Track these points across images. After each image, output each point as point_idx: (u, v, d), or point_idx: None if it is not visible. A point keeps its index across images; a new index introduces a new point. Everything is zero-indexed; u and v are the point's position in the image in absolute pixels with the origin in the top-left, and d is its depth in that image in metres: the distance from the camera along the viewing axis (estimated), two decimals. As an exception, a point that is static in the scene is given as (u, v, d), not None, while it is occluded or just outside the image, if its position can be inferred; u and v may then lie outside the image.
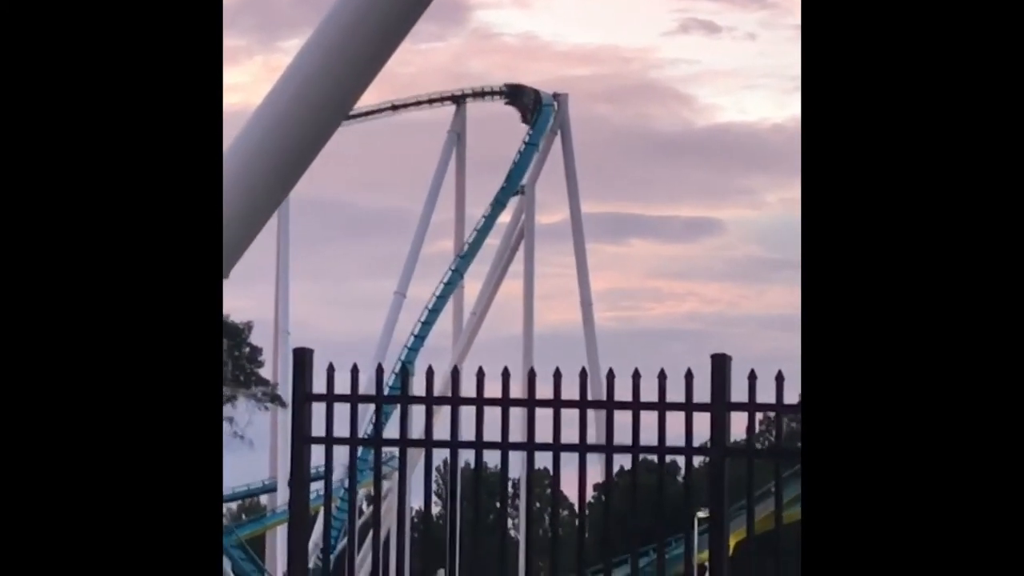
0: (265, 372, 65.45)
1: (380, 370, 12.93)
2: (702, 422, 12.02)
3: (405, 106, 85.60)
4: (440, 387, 12.54)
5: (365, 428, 12.94)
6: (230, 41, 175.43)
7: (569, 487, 12.78)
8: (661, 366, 12.02)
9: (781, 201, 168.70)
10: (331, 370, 12.24)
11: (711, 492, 12.04)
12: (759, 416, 12.18)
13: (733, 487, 12.12)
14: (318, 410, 12.25)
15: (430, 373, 12.47)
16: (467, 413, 12.16)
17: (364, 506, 60.08)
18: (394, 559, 12.53)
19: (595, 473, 13.20)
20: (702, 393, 11.99)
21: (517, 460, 12.68)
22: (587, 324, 79.87)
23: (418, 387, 12.38)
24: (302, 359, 12.34)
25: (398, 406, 12.49)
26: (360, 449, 12.53)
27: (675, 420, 12.02)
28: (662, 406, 12.01)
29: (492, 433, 12.16)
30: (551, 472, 12.47)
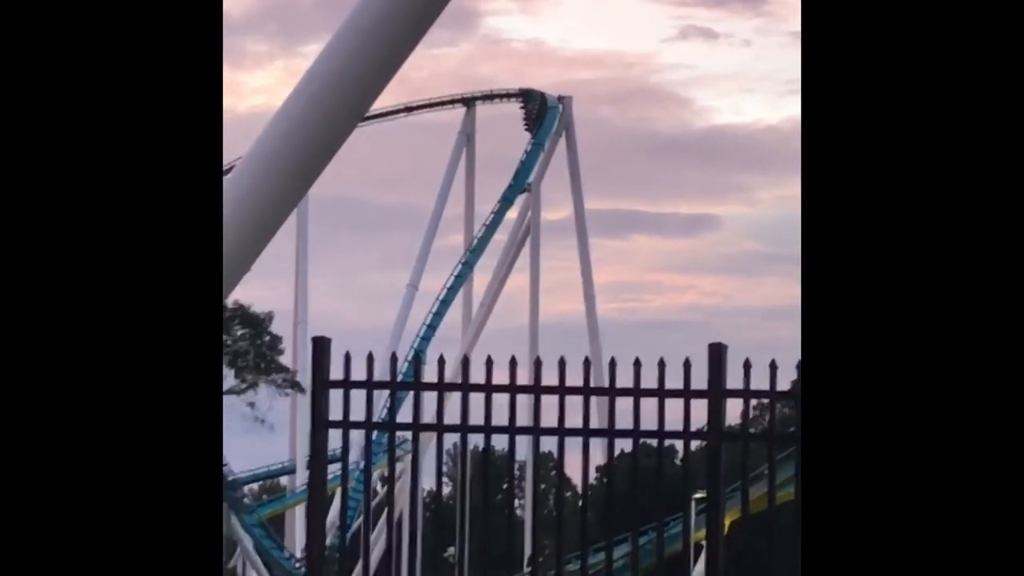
0: (285, 360, 65.53)
1: (394, 358, 12.93)
2: (699, 408, 12.02)
3: (418, 108, 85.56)
4: (451, 374, 12.54)
5: (380, 413, 12.94)
6: (254, 46, 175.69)
7: (573, 469, 12.80)
8: (661, 355, 12.02)
9: (775, 198, 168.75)
10: (348, 358, 12.23)
11: (708, 474, 12.03)
12: (753, 402, 12.18)
13: (728, 470, 12.11)
14: (335, 396, 12.25)
15: (441, 361, 12.47)
16: (476, 399, 12.16)
17: (379, 487, 60.07)
18: (407, 537, 12.53)
19: (598, 456, 13.21)
20: (700, 380, 11.99)
21: (524, 444, 12.68)
22: (590, 315, 79.85)
23: (430, 374, 12.38)
24: (320, 347, 12.34)
25: (411, 392, 12.49)
26: (375, 433, 12.53)
27: (674, 406, 12.02)
28: (661, 393, 12.01)
29: (500, 418, 12.16)
30: (556, 455, 12.46)
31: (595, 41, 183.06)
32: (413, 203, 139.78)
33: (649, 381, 12.03)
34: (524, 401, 12.20)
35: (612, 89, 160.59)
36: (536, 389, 12.15)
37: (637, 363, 12.02)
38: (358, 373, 12.23)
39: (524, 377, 12.18)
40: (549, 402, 12.14)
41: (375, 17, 10.92)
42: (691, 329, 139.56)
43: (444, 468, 12.72)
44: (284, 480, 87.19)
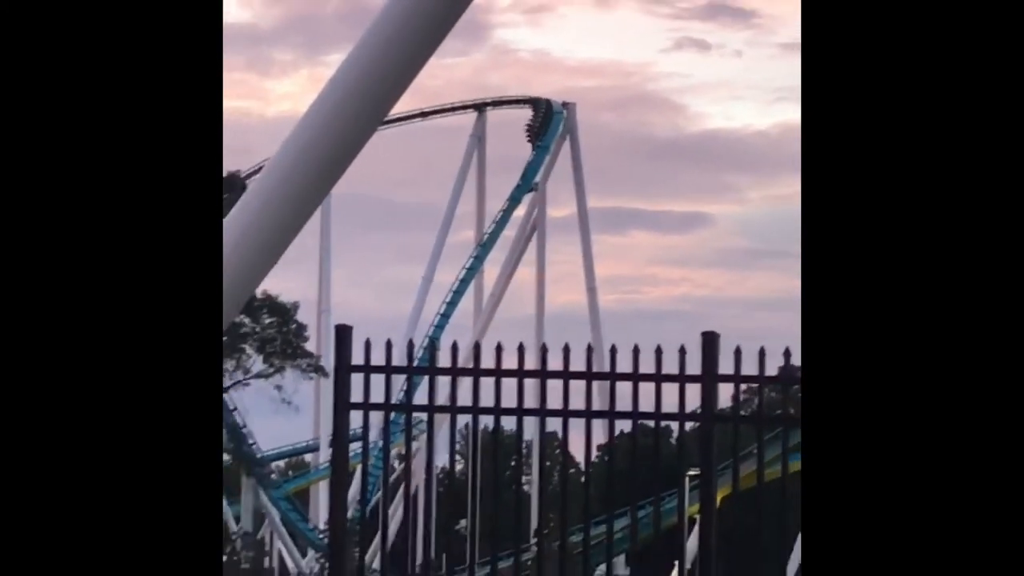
0: (310, 346, 65.41)
1: (411, 345, 12.93)
2: (693, 392, 12.02)
3: (433, 113, 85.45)
4: (463, 360, 12.54)
5: (397, 396, 12.94)
6: (281, 55, 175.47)
7: (576, 448, 12.81)
8: (658, 343, 12.03)
9: (764, 198, 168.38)
10: (367, 345, 12.24)
11: (701, 453, 12.04)
12: (743, 386, 12.18)
13: (720, 449, 12.11)
14: (356, 380, 12.26)
15: (454, 348, 12.48)
16: (487, 383, 12.16)
17: (396, 464, 60.09)
18: (422, 510, 12.53)
19: (599, 436, 13.19)
20: (694, 366, 11.99)
21: (530, 424, 12.68)
22: (592, 305, 79.81)
23: (444, 360, 12.39)
24: (342, 335, 12.35)
25: (426, 376, 12.50)
26: (393, 414, 12.53)
27: (670, 390, 12.02)
28: (658, 378, 12.01)
29: (509, 400, 12.16)
30: (560, 435, 12.47)
31: (597, 52, 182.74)
32: (428, 201, 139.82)
33: (647, 367, 12.04)
34: (531, 385, 12.21)
35: (612, 96, 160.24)
36: (542, 374, 12.16)
37: (636, 350, 12.03)
38: (377, 359, 12.24)
39: (531, 362, 12.19)
40: (554, 386, 12.14)
41: (393, 29, 10.92)
42: (686, 319, 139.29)
43: (457, 447, 12.73)
44: (308, 457, 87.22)
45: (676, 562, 12.95)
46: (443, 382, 12.38)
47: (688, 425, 12.27)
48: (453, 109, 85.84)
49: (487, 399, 12.18)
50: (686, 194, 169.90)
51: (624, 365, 12.03)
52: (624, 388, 12.12)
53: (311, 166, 11.13)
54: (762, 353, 11.87)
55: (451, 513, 12.66)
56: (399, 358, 12.49)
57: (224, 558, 68.62)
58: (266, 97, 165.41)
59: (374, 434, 11.88)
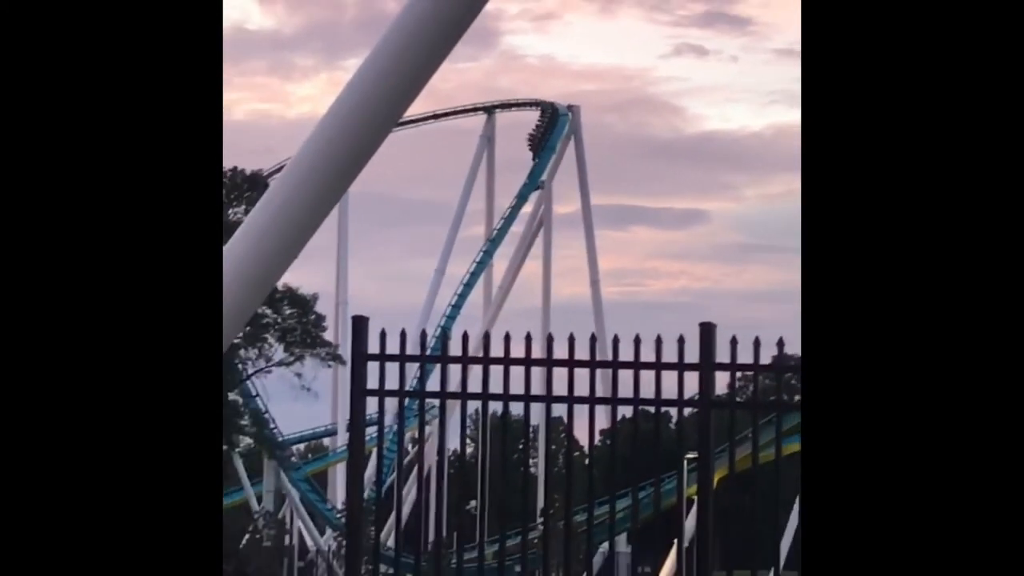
0: (328, 336, 65.35)
1: (424, 334, 12.93)
2: (692, 379, 12.01)
3: (445, 115, 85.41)
4: (473, 349, 12.54)
5: (411, 383, 12.93)
6: (302, 60, 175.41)
7: (581, 433, 12.79)
8: (658, 333, 12.03)
9: (758, 196, 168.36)
10: (383, 334, 12.23)
11: (699, 437, 12.03)
12: (739, 374, 12.16)
13: (717, 433, 12.10)
14: (372, 368, 12.25)
15: (465, 337, 12.47)
16: (496, 371, 12.15)
17: (410, 448, 60.07)
18: (434, 491, 12.53)
19: (602, 421, 13.17)
20: (692, 355, 11.98)
21: (537, 410, 12.67)
22: (596, 297, 79.78)
23: (455, 348, 12.38)
24: (359, 325, 12.34)
25: (439, 364, 12.49)
26: (407, 400, 12.53)
27: (669, 377, 12.01)
28: (658, 366, 11.99)
29: (516, 387, 12.16)
30: (565, 420, 12.46)
31: (600, 57, 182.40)
32: (440, 199, 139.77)
33: (648, 355, 12.03)
34: (538, 372, 12.20)
35: (615, 99, 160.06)
36: (548, 362, 12.15)
37: (637, 340, 12.02)
38: (392, 348, 12.24)
39: (538, 351, 12.18)
40: (560, 373, 12.14)
41: (407, 36, 10.90)
42: (684, 310, 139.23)
43: (467, 431, 12.72)
44: (327, 441, 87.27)
45: (675, 540, 12.94)
46: (454, 370, 12.37)
47: (687, 411, 12.26)
48: (464, 111, 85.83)
49: (496, 386, 12.18)
50: (685, 192, 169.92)
51: (626, 354, 12.02)
52: (626, 376, 12.11)
53: (329, 165, 11.11)
54: (757, 342, 11.86)
55: (462, 494, 12.68)
56: (413, 347, 12.48)
57: (247, 536, 68.67)
58: (287, 100, 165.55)
59: (389, 419, 11.86)
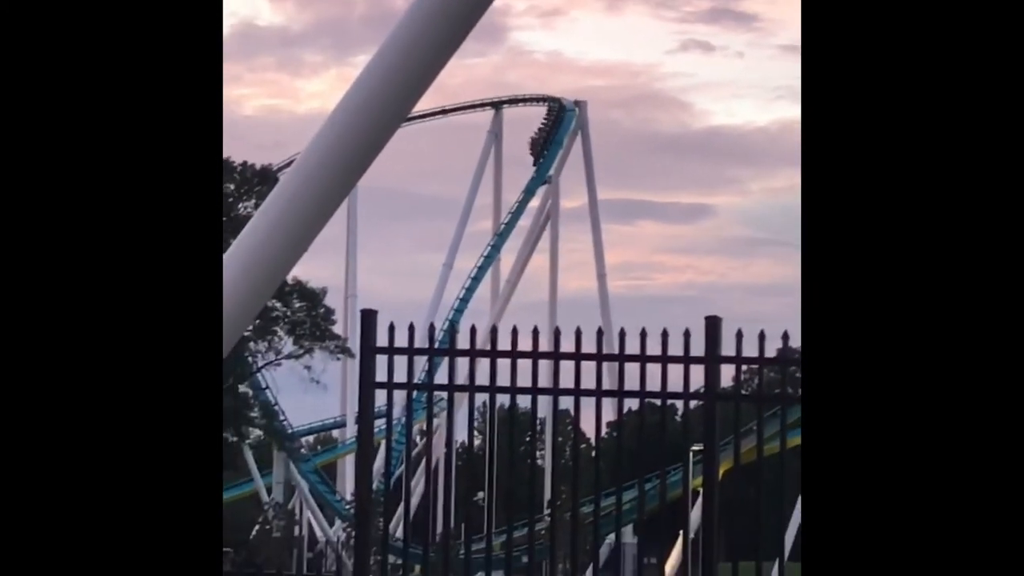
0: (337, 329, 65.38)
1: (432, 328, 12.94)
2: (697, 372, 12.01)
3: (453, 110, 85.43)
4: (481, 342, 12.54)
5: (419, 375, 12.94)
6: (311, 57, 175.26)
7: (587, 425, 12.78)
8: (664, 326, 12.02)
9: (764, 190, 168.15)
10: (391, 328, 12.24)
11: (704, 430, 12.03)
12: (744, 367, 12.16)
13: (722, 426, 12.10)
14: (381, 360, 12.26)
15: (473, 331, 12.48)
16: (503, 364, 12.16)
17: (418, 440, 60.06)
18: (443, 483, 12.54)
19: (609, 413, 13.19)
20: (698, 348, 11.98)
21: (544, 403, 12.68)
22: (602, 291, 79.75)
23: (463, 342, 12.39)
24: (368, 318, 12.35)
25: (447, 357, 12.50)
26: (415, 393, 12.53)
27: (675, 370, 12.01)
28: (664, 359, 12.00)
29: (524, 380, 12.16)
30: (572, 413, 12.47)
31: (607, 53, 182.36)
32: (448, 193, 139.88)
33: (654, 348, 12.03)
34: (545, 365, 12.20)
35: (622, 95, 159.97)
36: (555, 355, 12.15)
37: (643, 333, 12.02)
38: (400, 341, 12.24)
39: (545, 344, 12.18)
40: (567, 366, 12.14)
41: (415, 32, 10.90)
42: (690, 303, 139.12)
43: (475, 423, 12.71)
44: (336, 433, 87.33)
45: (681, 532, 12.95)
46: (462, 363, 12.38)
47: (692, 403, 12.27)
48: (472, 107, 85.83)
49: (504, 379, 12.18)
50: (691, 186, 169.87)
51: (632, 347, 12.03)
52: (632, 369, 12.11)
53: (338, 160, 11.12)
54: (762, 336, 11.87)
55: (469, 486, 12.67)
56: (421, 340, 12.49)
57: (256, 527, 68.77)
58: (297, 96, 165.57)
59: (397, 411, 11.87)
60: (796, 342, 11.35)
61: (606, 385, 12.23)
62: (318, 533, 76.16)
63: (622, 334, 12.06)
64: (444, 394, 12.42)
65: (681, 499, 12.82)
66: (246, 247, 11.07)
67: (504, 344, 12.13)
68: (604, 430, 12.28)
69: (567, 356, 12.11)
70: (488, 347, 12.18)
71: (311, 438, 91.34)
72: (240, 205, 58.09)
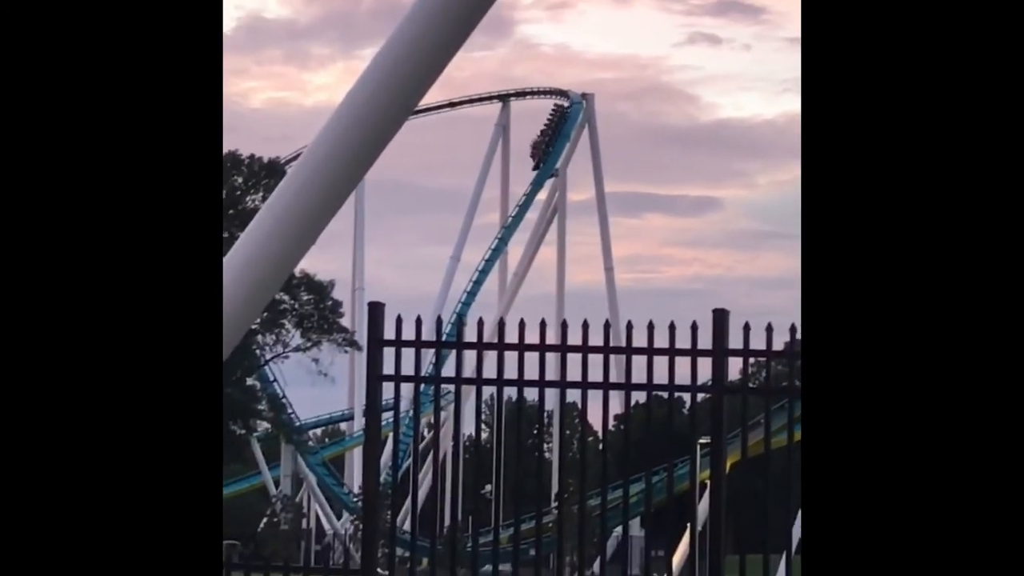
0: (345, 321, 65.45)
1: (439, 321, 12.94)
2: (705, 365, 12.01)
3: (460, 104, 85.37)
4: (488, 335, 12.54)
5: (427, 368, 12.94)
6: (318, 50, 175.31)
7: (595, 418, 12.79)
8: (671, 319, 12.03)
9: (771, 183, 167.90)
10: (399, 320, 12.25)
11: (712, 423, 12.03)
12: (752, 360, 12.16)
13: (730, 418, 12.10)
14: (388, 353, 12.27)
15: (480, 323, 12.48)
16: (511, 356, 12.16)
17: (426, 432, 60.14)
18: (450, 476, 12.53)
19: (616, 406, 13.18)
20: (705, 341, 11.97)
21: (552, 395, 12.67)
22: (609, 284, 79.75)
23: (470, 335, 12.39)
24: (375, 311, 12.36)
25: (454, 350, 12.50)
26: (422, 385, 12.54)
27: (682, 363, 12.01)
28: (672, 352, 11.99)
29: (531, 373, 12.17)
30: (580, 405, 12.47)
31: (614, 46, 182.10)
32: (455, 186, 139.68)
33: (661, 341, 12.03)
34: (552, 358, 12.21)
35: (629, 87, 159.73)
36: (563, 348, 12.15)
37: (650, 326, 12.02)
38: (408, 334, 12.25)
39: (552, 337, 12.19)
40: (574, 359, 12.14)
41: (422, 25, 10.90)
42: (697, 296, 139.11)
43: (482, 416, 12.73)
44: (343, 426, 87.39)
45: (688, 525, 12.95)
46: (469, 356, 12.38)
47: (699, 396, 12.26)
48: (479, 100, 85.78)
49: (511, 372, 12.19)
50: (698, 179, 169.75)
51: (639, 340, 12.03)
52: (639, 362, 12.11)
53: (346, 153, 11.12)
54: (769, 329, 11.86)
55: (477, 478, 12.68)
56: (428, 333, 12.50)
57: (264, 520, 68.84)
58: (304, 88, 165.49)
59: (405, 404, 11.89)
60: (803, 335, 11.35)
61: (613, 378, 12.24)
62: (326, 526, 76.21)
63: (629, 327, 12.05)
64: (451, 387, 12.43)
65: (688, 492, 12.82)
66: (253, 240, 11.08)
67: (511, 337, 12.14)
68: (611, 423, 12.28)
69: (574, 349, 12.11)
70: (495, 340, 12.18)
71: (319, 431, 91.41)
72: (247, 198, 58.14)
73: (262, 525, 68.67)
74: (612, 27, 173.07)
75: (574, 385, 12.21)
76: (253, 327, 49.05)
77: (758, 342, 11.88)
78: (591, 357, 12.08)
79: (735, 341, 11.95)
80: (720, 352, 11.96)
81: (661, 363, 12.03)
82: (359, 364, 69.70)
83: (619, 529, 13.05)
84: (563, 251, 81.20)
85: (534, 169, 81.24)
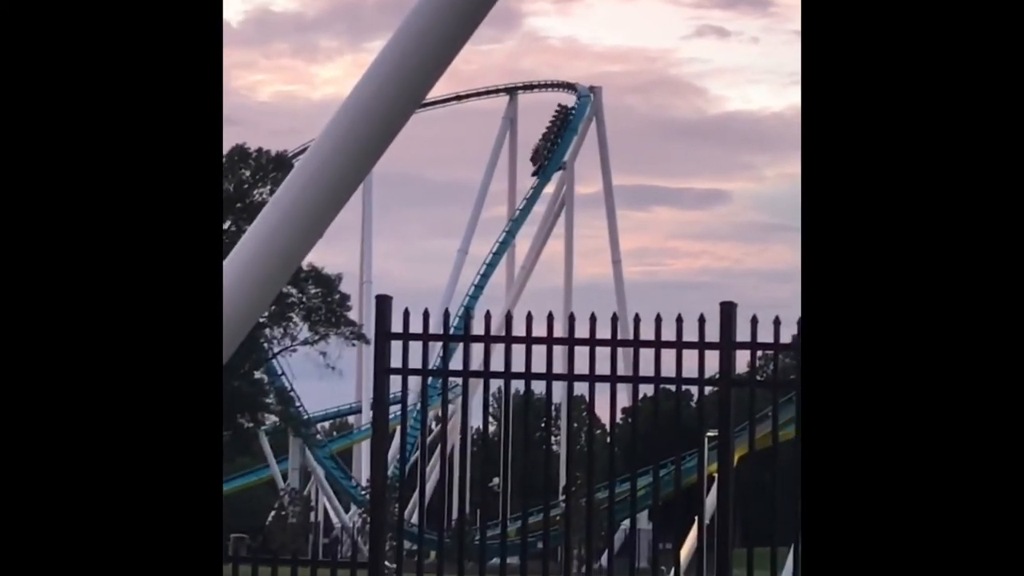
0: (352, 315, 65.43)
1: (446, 314, 12.96)
2: (712, 358, 12.01)
3: (467, 97, 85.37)
4: (496, 328, 12.55)
5: (434, 361, 12.95)
6: (326, 42, 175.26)
7: (602, 411, 12.78)
8: (679, 312, 12.03)
9: (779, 175, 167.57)
10: (406, 314, 12.26)
11: (719, 416, 12.03)
12: (759, 353, 12.16)
13: (737, 411, 12.10)
14: (396, 346, 12.28)
15: (487, 317, 12.48)
16: (518, 349, 12.17)
17: (433, 426, 60.13)
18: (457, 469, 12.55)
19: (623, 399, 13.19)
20: (713, 334, 11.98)
21: (559, 388, 12.68)
22: (617, 277, 79.74)
23: (478, 328, 12.40)
24: (383, 304, 12.36)
25: (462, 343, 12.51)
26: (430, 378, 12.55)
27: (690, 356, 12.01)
28: (679, 345, 12.00)
29: (539, 366, 12.17)
30: (587, 399, 12.47)
31: (622, 39, 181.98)
32: (463, 179, 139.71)
33: (669, 334, 12.03)
34: (560, 351, 12.21)
35: (637, 80, 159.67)
36: (570, 341, 12.16)
37: (658, 319, 12.02)
38: (415, 327, 12.26)
39: (559, 330, 12.20)
40: (581, 352, 12.15)
41: (430, 18, 10.90)
42: (705, 289, 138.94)
43: (490, 409, 12.72)
44: (351, 419, 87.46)
45: (696, 517, 12.95)
46: (477, 349, 12.39)
47: (707, 389, 12.26)
48: (487, 93, 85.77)
49: (518, 365, 12.20)
50: (706, 172, 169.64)
51: (647, 333, 12.03)
52: (647, 355, 12.12)
53: (353, 146, 11.12)
54: (777, 322, 11.87)
55: (484, 471, 12.68)
56: (436, 326, 12.50)
57: (272, 513, 68.92)
58: (312, 81, 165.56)
59: (412, 397, 11.91)
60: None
61: (621, 371, 12.24)
62: (334, 519, 76.30)
63: (637, 320, 12.06)
64: (459, 380, 12.43)
65: (696, 485, 12.82)
66: (261, 233, 11.08)
67: (519, 330, 12.15)
68: (619, 416, 12.29)
69: (582, 342, 12.12)
70: (503, 333, 12.18)
71: (327, 424, 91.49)
72: (255, 192, 58.15)
73: (270, 518, 68.74)
74: (620, 20, 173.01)
75: (581, 378, 12.22)
76: (261, 320, 49.05)
77: (766, 335, 11.90)
78: (599, 350, 12.09)
79: (743, 334, 11.97)
80: (728, 345, 11.96)
81: (669, 356, 12.04)
82: (367, 357, 69.72)
83: (627, 522, 13.06)
84: (570, 244, 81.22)
85: (533, 175, 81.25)
